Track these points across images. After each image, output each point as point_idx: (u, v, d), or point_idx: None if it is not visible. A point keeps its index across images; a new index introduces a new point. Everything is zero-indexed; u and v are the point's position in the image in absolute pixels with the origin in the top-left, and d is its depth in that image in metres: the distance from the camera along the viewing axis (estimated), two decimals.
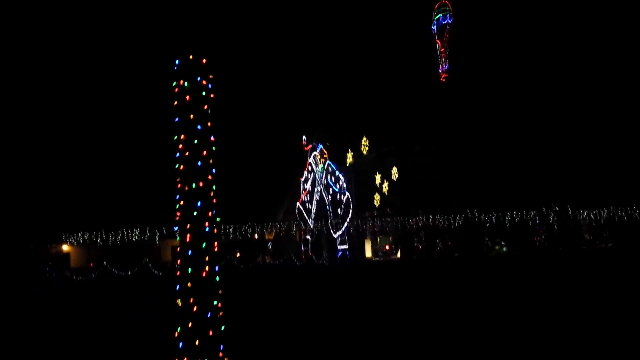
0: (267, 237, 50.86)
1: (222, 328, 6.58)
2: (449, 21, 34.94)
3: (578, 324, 8.89)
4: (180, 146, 6.89)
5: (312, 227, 44.26)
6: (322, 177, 42.35)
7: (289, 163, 47.17)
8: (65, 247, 41.57)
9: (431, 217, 35.50)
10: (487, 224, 35.20)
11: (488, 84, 34.75)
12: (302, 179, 46.10)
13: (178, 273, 6.76)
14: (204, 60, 7.09)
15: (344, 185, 39.73)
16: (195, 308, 6.49)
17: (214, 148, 7.10)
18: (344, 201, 39.63)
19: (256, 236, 49.51)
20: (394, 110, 37.38)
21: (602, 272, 17.71)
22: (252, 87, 48.39)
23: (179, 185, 6.83)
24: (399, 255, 39.41)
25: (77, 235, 35.95)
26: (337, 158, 41.46)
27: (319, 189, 42.77)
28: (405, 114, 36.52)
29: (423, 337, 8.93)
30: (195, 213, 6.67)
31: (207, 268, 6.65)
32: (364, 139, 38.89)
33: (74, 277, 23.87)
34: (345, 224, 39.36)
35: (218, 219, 6.87)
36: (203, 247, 6.66)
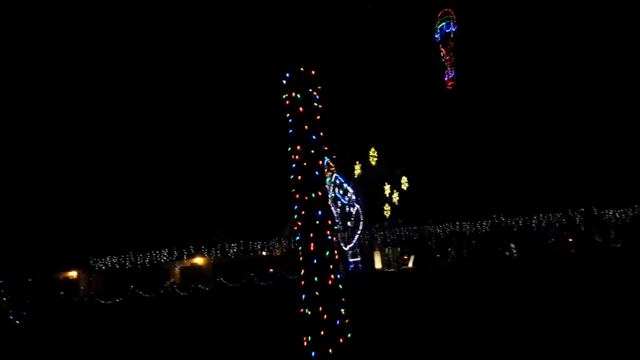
0: (274, 254, 50.65)
1: (349, 335, 6.65)
2: (453, 29, 35.42)
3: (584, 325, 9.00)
4: (297, 157, 7.00)
5: None
6: (330, 191, 42.39)
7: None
8: (73, 273, 41.15)
9: (442, 225, 35.69)
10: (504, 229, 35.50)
11: (494, 90, 35.27)
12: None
13: (303, 282, 6.84)
14: (313, 72, 7.23)
15: (353, 197, 39.80)
16: (325, 316, 6.56)
17: (327, 158, 7.24)
18: (354, 213, 39.68)
19: (264, 253, 49.34)
20: (400, 120, 37.73)
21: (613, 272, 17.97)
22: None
23: (297, 196, 6.93)
24: (410, 264, 39.40)
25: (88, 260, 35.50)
26: (344, 170, 41.56)
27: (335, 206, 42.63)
28: (412, 123, 36.87)
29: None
30: (317, 222, 6.77)
31: (332, 276, 6.72)
32: (372, 149, 39.11)
33: (102, 300, 23.58)
34: (357, 236, 39.36)
35: (336, 227, 6.96)
36: (327, 255, 6.74)
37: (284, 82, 7.34)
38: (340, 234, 41.88)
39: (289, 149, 7.17)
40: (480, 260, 34.21)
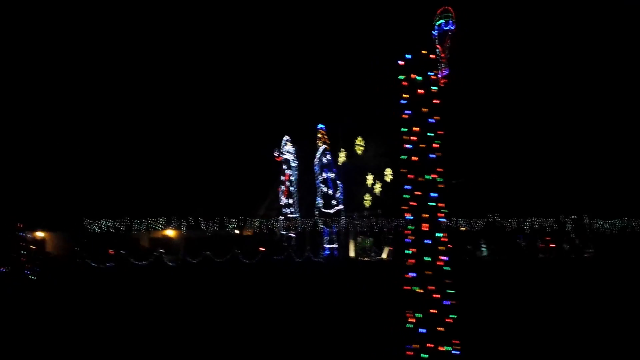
0: (245, 233, 50.44)
1: (455, 316, 6.82)
2: (451, 27, 35.66)
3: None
4: (413, 138, 7.09)
5: (297, 224, 44.26)
6: (317, 165, 42.03)
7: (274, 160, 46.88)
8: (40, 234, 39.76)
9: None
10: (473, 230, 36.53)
11: (488, 91, 35.91)
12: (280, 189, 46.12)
13: (412, 261, 6.97)
14: (433, 56, 7.30)
15: (338, 184, 40.09)
16: (436, 295, 6.72)
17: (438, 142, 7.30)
18: (337, 199, 40.02)
19: (237, 232, 49.08)
20: (390, 112, 37.93)
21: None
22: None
23: (412, 177, 7.02)
24: (384, 255, 40.05)
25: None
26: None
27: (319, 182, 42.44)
28: (402, 116, 37.12)
29: None
30: (431, 203, 6.89)
31: (442, 257, 6.87)
32: (359, 138, 39.32)
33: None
34: (337, 223, 39.68)
35: (446, 210, 7.11)
36: (439, 236, 6.88)
37: (401, 63, 7.39)
38: (319, 219, 42.15)
39: (404, 129, 7.24)
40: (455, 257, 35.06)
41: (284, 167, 46.70)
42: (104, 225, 32.53)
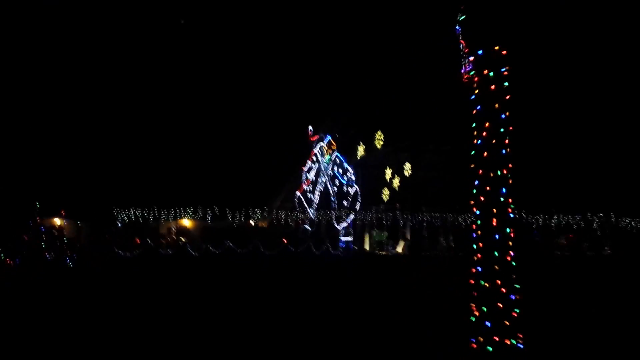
0: (260, 225, 50.62)
1: (519, 311, 6.90)
2: None
3: None
4: (484, 134, 7.15)
5: (313, 217, 44.40)
6: (327, 168, 42.50)
7: (293, 152, 47.02)
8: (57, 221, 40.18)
9: (439, 215, 36.40)
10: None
11: (513, 87, 35.55)
12: (305, 169, 46.06)
13: (479, 256, 7.05)
14: (505, 52, 7.35)
15: (353, 178, 40.10)
16: (503, 290, 6.80)
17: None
18: (352, 193, 40.05)
19: (252, 222, 49.28)
20: (411, 107, 37.92)
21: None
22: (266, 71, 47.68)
23: (481, 172, 7.09)
24: (399, 249, 40.12)
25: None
26: (345, 150, 41.70)
27: (324, 180, 42.91)
28: (423, 112, 37.13)
29: None
30: (501, 199, 6.96)
31: (511, 252, 6.95)
32: (379, 132, 39.34)
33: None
34: (352, 216, 39.73)
35: (513, 206, 7.18)
36: (507, 231, 6.96)
37: (471, 58, 7.44)
38: (335, 213, 42.26)
39: (474, 124, 7.31)
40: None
41: (314, 159, 46.49)
42: (132, 214, 32.78)
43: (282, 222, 46.30)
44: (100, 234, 25.54)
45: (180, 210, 36.85)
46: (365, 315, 10.09)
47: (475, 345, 6.73)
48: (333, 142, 42.15)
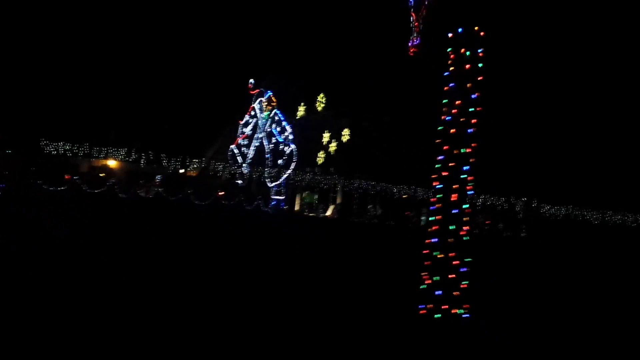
0: (188, 174, 49.65)
1: (467, 283, 7.28)
2: None
3: None
4: (454, 111, 7.32)
5: (245, 172, 44.14)
6: (265, 125, 42.14)
7: (232, 104, 46.15)
8: None
9: (373, 183, 37.23)
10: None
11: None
12: (242, 122, 45.47)
13: (435, 227, 7.32)
14: (482, 33, 7.49)
15: (290, 137, 40.01)
16: (455, 262, 7.13)
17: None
18: (287, 152, 40.04)
19: (181, 170, 48.22)
20: (355, 74, 37.97)
21: None
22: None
23: (446, 147, 7.28)
24: (328, 213, 40.83)
25: None
26: (284, 109, 41.42)
27: (260, 136, 42.56)
28: (367, 80, 37.34)
29: None
30: (463, 176, 7.22)
31: (465, 227, 7.26)
32: (321, 95, 39.23)
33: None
34: (285, 175, 39.81)
35: (473, 184, 7.45)
36: (465, 207, 7.25)
37: (450, 35, 7.54)
38: (268, 170, 42.14)
39: (445, 101, 7.45)
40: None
41: (252, 114, 45.91)
42: (61, 148, 30.99)
43: (214, 173, 45.74)
44: (26, 165, 24.02)
45: (112, 150, 35.38)
46: (302, 278, 10.23)
47: (423, 312, 7.04)
48: (273, 99, 41.69)
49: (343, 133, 38.25)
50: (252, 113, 44.39)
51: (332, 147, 39.04)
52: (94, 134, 35.27)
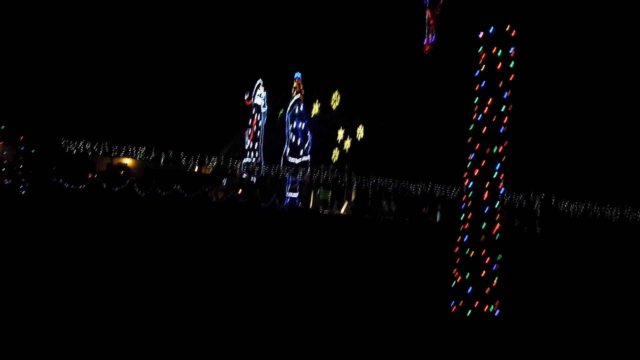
0: (203, 172, 50.04)
1: (497, 280, 7.34)
2: None
3: None
4: (486, 110, 7.37)
5: (260, 168, 44.40)
6: (287, 118, 42.12)
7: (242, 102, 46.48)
8: None
9: (389, 180, 37.25)
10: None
11: (471, 63, 36.05)
12: (246, 132, 46.15)
13: (467, 225, 7.39)
14: (514, 32, 7.53)
15: (309, 137, 40.17)
16: (487, 260, 7.20)
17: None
18: (305, 149, 40.23)
19: (196, 169, 48.62)
20: (370, 72, 37.95)
21: None
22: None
23: (478, 146, 7.34)
24: (342, 211, 40.89)
25: None
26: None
27: (288, 130, 42.41)
28: (382, 78, 37.30)
29: None
30: (494, 174, 7.27)
31: (497, 226, 7.32)
32: (336, 93, 39.28)
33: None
34: (301, 172, 39.98)
35: (503, 182, 7.50)
36: (496, 205, 7.31)
37: (481, 34, 7.59)
38: (285, 167, 42.31)
39: (476, 100, 7.51)
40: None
41: (254, 111, 46.51)
42: (81, 146, 31.39)
43: (230, 171, 46.07)
44: (47, 164, 24.35)
45: (132, 149, 35.73)
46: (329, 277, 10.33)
47: (454, 309, 7.12)
48: (300, 83, 41.24)
49: (358, 131, 38.27)
50: (255, 114, 45.05)
51: (347, 144, 39.09)
52: (113, 133, 35.63)
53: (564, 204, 35.07)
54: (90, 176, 24.03)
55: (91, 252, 9.32)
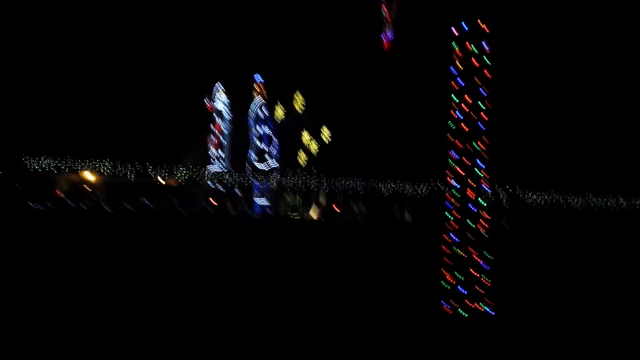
0: (168, 183, 48.89)
1: (490, 279, 7.31)
2: None
3: None
4: (465, 107, 7.32)
5: (227, 176, 43.71)
6: (252, 125, 41.41)
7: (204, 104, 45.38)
8: None
9: (359, 181, 37.14)
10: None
11: (431, 59, 36.31)
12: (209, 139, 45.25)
13: (455, 225, 7.31)
14: (487, 29, 7.50)
15: (276, 140, 39.76)
16: (476, 258, 7.14)
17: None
18: (272, 154, 39.79)
19: (160, 180, 47.45)
20: (329, 70, 37.70)
21: None
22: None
23: (459, 144, 7.29)
24: (313, 214, 40.62)
25: None
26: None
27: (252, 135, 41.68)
28: (343, 76, 37.15)
29: None
30: (478, 171, 7.23)
31: (484, 223, 7.28)
32: (297, 93, 38.96)
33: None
34: (269, 178, 39.54)
35: (487, 179, 7.46)
36: (482, 203, 7.26)
37: (455, 31, 7.54)
38: (251, 173, 41.70)
39: (453, 95, 7.45)
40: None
41: (216, 116, 45.57)
42: (45, 164, 30.05)
43: (198, 180, 45.10)
44: (9, 182, 23.21)
45: (94, 162, 34.34)
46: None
47: (449, 310, 7.04)
48: (261, 86, 40.45)
49: (322, 132, 38.11)
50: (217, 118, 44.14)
51: (313, 146, 38.88)
52: (76, 147, 34.42)
53: (529, 195, 35.22)
54: (58, 193, 23.14)
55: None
